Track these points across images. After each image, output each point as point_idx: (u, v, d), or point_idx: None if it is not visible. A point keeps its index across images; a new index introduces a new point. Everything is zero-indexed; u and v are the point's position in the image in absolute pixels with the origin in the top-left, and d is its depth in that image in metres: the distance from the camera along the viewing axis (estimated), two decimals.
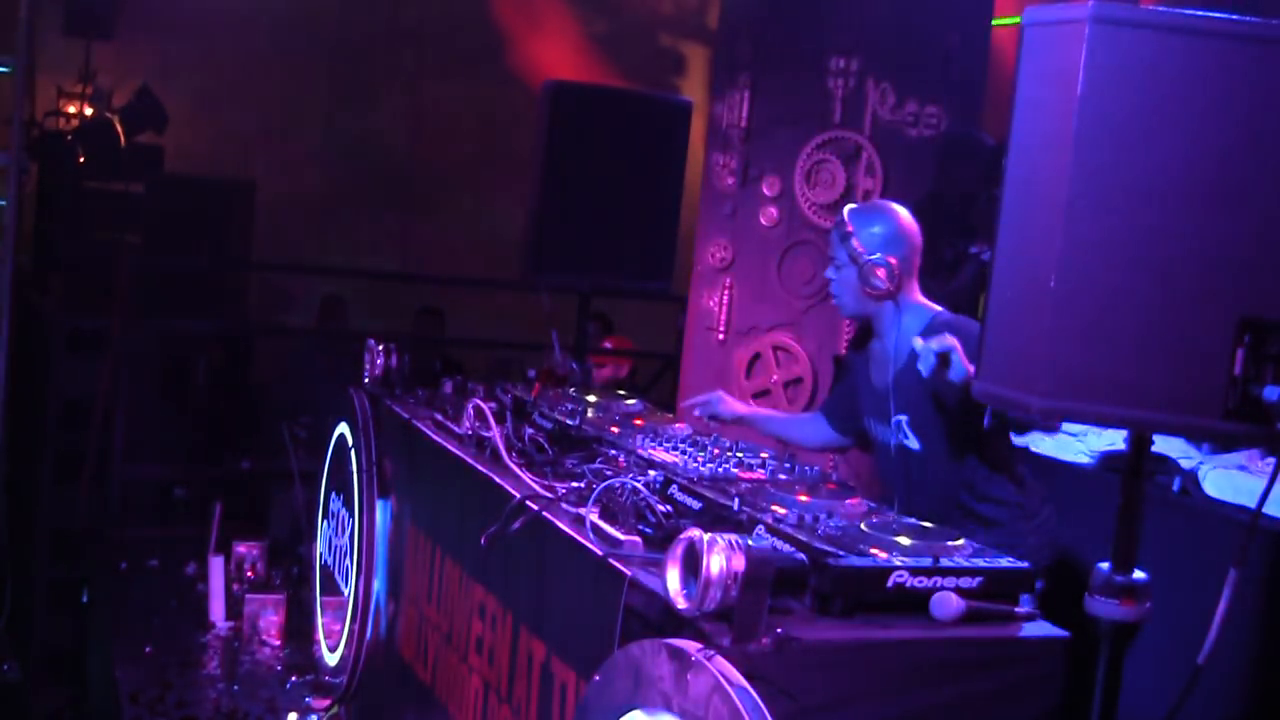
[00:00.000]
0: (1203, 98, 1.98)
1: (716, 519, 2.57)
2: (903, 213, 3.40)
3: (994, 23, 4.99)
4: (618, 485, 2.75)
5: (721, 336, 4.95)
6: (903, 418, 3.34)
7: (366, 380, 4.36)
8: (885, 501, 3.36)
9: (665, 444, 3.17)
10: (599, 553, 2.57)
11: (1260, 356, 1.99)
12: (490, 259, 8.98)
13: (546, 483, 3.01)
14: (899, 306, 3.33)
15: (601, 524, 2.66)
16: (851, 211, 3.42)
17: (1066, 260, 2.01)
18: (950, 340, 3.00)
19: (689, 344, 5.11)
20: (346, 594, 4.31)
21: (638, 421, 3.47)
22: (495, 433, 3.32)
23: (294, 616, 5.11)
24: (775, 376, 4.86)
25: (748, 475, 2.88)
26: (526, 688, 2.94)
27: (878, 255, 3.30)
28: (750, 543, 2.15)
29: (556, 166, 4.51)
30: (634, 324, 8.27)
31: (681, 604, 2.16)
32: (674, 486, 2.77)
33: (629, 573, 2.46)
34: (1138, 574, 2.17)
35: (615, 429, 3.33)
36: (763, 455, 3.10)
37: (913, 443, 3.33)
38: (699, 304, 5.00)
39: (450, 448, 3.55)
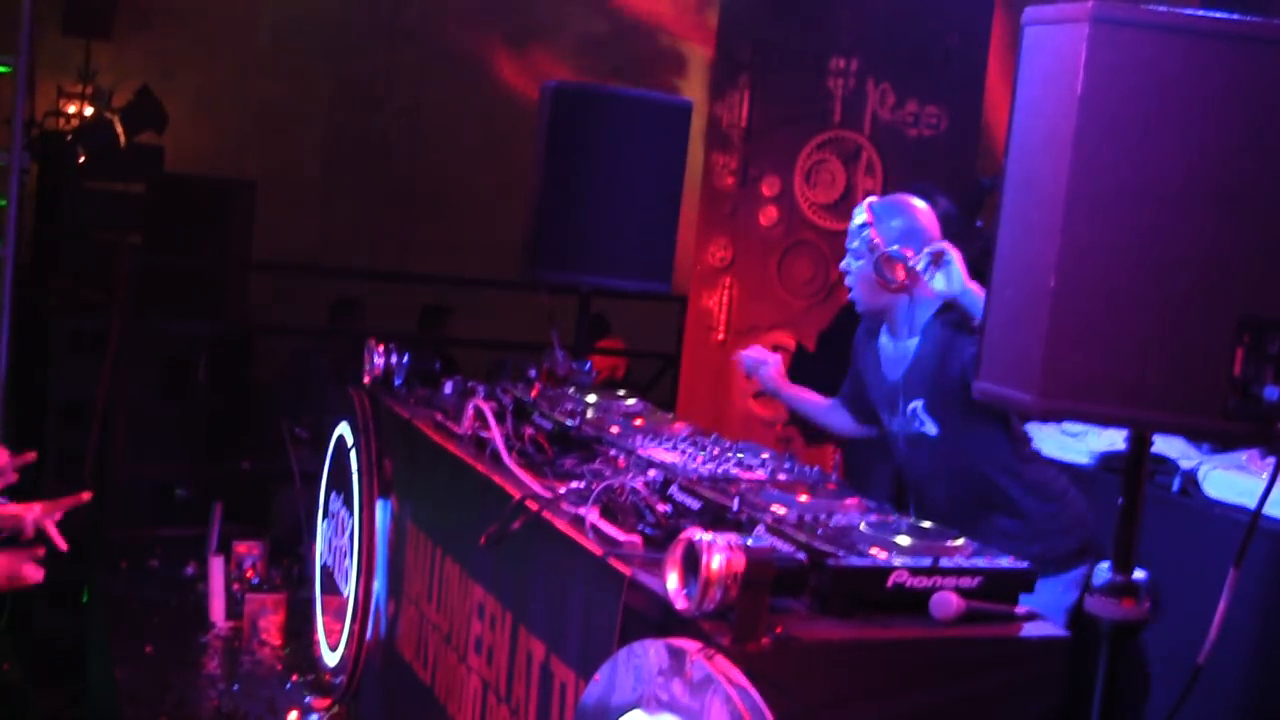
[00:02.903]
0: (1203, 98, 1.97)
1: (716, 519, 2.56)
2: (922, 207, 3.38)
3: None
4: (617, 485, 2.75)
5: (721, 336, 4.95)
6: (918, 403, 3.32)
7: (367, 380, 4.36)
8: (906, 491, 3.36)
9: (665, 444, 3.16)
10: (599, 553, 2.57)
11: (1260, 356, 1.98)
12: (490, 259, 8.98)
13: (546, 483, 3.01)
14: (913, 302, 3.32)
15: (601, 524, 2.66)
16: (872, 203, 3.39)
17: (1065, 260, 2.01)
18: (945, 245, 3.05)
19: (689, 344, 5.11)
20: (346, 594, 4.31)
21: (638, 421, 3.47)
22: (495, 433, 3.32)
23: (294, 616, 5.11)
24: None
25: (748, 475, 2.88)
26: (525, 688, 2.94)
27: (894, 249, 3.28)
28: (750, 543, 2.15)
29: (556, 166, 4.51)
30: (634, 324, 8.27)
31: (681, 604, 2.16)
32: (674, 486, 2.77)
33: (629, 573, 2.46)
34: (1138, 574, 2.17)
35: (615, 429, 3.33)
36: (763, 455, 3.10)
37: (930, 428, 3.32)
38: (699, 304, 5.00)
39: (450, 448, 3.55)
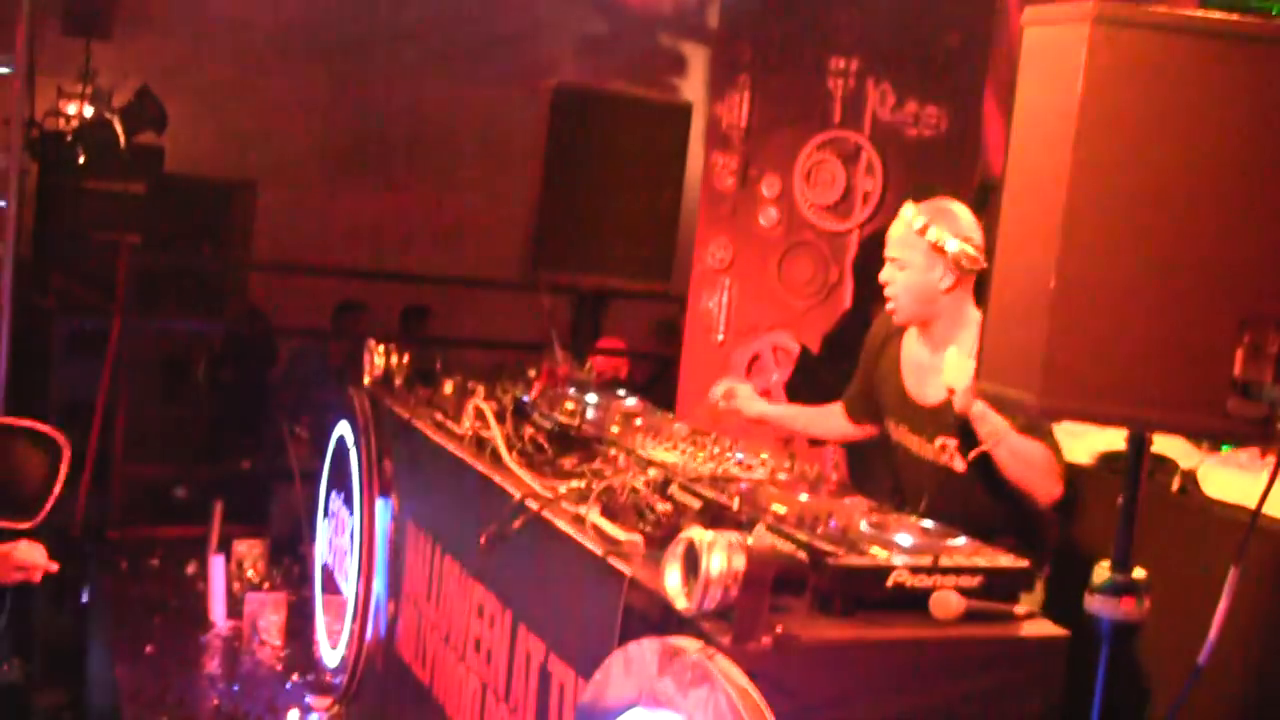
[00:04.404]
0: (1203, 98, 1.98)
1: (716, 519, 2.56)
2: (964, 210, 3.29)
3: None
4: (618, 485, 2.75)
5: (721, 337, 4.95)
6: (950, 442, 3.18)
7: (366, 380, 4.36)
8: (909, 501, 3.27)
9: (665, 443, 3.17)
10: (599, 552, 2.57)
11: (1260, 356, 1.98)
12: (491, 259, 8.98)
13: (546, 482, 3.01)
14: (964, 317, 3.23)
15: (601, 523, 2.66)
16: (920, 208, 3.26)
17: (1066, 260, 2.01)
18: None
19: (688, 345, 5.11)
20: (346, 594, 4.31)
21: (638, 421, 3.47)
22: (495, 433, 3.33)
23: (294, 616, 5.11)
24: (775, 377, 4.86)
25: (747, 475, 2.88)
26: (525, 687, 2.94)
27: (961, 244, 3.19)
28: (750, 542, 2.15)
29: (557, 166, 4.52)
30: (633, 324, 8.25)
31: (681, 603, 2.16)
32: (674, 486, 2.77)
33: (629, 572, 2.46)
34: (1137, 573, 2.17)
35: (615, 429, 3.33)
36: (762, 455, 3.10)
37: (958, 465, 3.18)
38: (698, 304, 5.00)
39: (450, 448, 3.56)
